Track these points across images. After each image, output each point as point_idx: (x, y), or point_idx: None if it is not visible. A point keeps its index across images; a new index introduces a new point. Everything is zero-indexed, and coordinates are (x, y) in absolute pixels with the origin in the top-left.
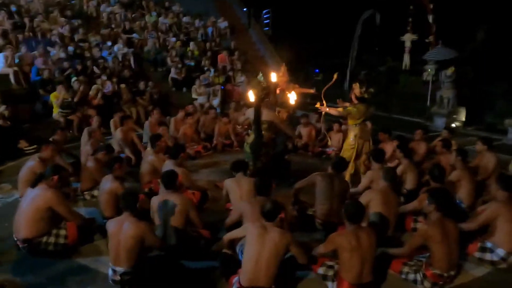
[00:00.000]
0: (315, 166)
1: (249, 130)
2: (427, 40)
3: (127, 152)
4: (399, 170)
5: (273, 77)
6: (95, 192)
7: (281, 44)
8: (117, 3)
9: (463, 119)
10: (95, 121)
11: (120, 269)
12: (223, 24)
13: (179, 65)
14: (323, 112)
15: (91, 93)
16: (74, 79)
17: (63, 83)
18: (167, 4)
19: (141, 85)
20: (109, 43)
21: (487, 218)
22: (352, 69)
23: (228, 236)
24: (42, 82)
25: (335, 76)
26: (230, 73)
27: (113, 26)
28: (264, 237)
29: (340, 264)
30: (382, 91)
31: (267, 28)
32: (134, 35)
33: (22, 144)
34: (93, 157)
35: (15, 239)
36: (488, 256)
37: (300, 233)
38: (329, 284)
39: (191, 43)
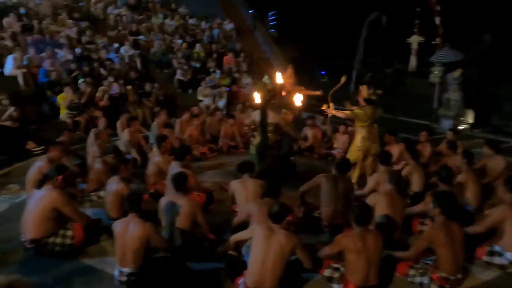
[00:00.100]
0: (321, 168)
1: (254, 132)
2: (434, 42)
3: (133, 153)
4: (405, 171)
5: (279, 78)
6: (102, 193)
7: (287, 46)
8: (124, 6)
9: (470, 121)
10: (101, 123)
11: (126, 270)
12: (229, 26)
13: (185, 67)
14: (329, 114)
15: (98, 94)
16: (81, 80)
17: (71, 85)
18: (173, 6)
19: (147, 86)
20: (116, 45)
21: (494, 221)
22: (358, 71)
23: (235, 237)
24: (50, 84)
25: (343, 79)
26: (236, 75)
27: (120, 28)
28: (271, 239)
29: (346, 266)
30: (387, 93)
31: (272, 30)
32: (141, 37)
33: (30, 145)
34: (101, 159)
35: (23, 239)
36: (497, 260)
37: (306, 235)
38: (335, 286)
39: (197, 45)
